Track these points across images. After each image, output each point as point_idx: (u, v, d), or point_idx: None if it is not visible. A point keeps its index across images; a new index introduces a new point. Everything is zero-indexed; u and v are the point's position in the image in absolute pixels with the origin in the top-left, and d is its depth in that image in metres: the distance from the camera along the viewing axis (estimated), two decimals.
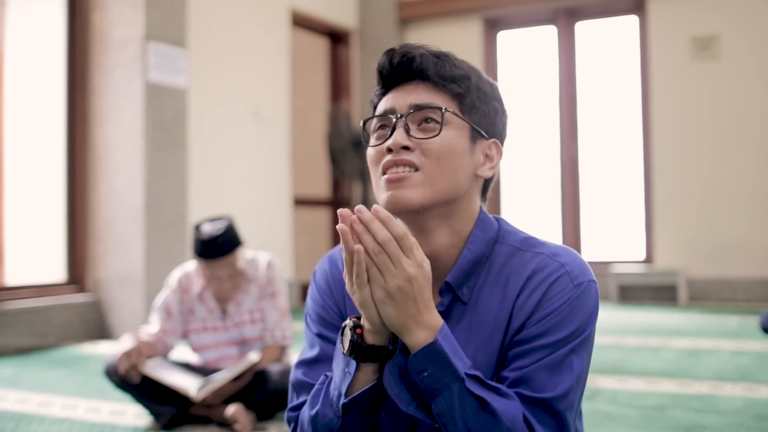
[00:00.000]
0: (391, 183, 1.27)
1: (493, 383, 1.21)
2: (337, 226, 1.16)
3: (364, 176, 8.10)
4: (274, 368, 3.12)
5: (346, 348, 1.22)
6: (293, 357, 4.26)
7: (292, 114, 7.50)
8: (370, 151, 1.33)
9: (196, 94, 6.13)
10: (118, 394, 3.54)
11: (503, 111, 1.39)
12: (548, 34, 8.07)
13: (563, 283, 1.26)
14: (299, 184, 7.72)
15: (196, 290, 3.27)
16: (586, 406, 3.20)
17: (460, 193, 1.31)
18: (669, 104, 7.35)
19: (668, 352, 4.59)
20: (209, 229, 3.10)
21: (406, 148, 1.28)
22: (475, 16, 8.17)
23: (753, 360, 4.30)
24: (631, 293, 7.37)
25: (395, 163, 1.27)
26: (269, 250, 6.17)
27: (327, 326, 1.40)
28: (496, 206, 8.05)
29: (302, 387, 1.37)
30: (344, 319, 1.36)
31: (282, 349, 3.29)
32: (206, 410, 3.08)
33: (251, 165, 6.89)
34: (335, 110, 7.88)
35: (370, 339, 1.21)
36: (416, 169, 1.27)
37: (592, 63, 7.94)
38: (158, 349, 3.19)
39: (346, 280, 1.19)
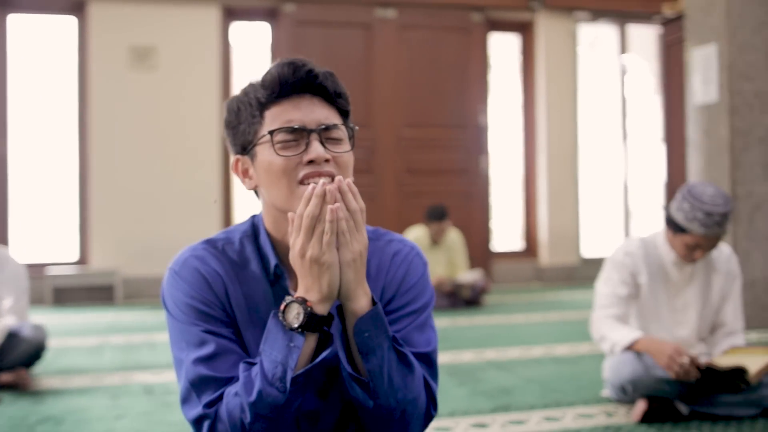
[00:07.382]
0: None
1: (399, 341, 1.45)
2: (318, 189, 1.35)
3: None
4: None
5: (298, 321, 1.35)
6: None
7: None
8: (280, 161, 1.43)
9: None
10: None
11: None
12: None
13: (416, 262, 1.58)
14: None
15: None
16: None
17: None
18: (107, 109, 7.43)
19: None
20: None
21: (326, 160, 1.44)
22: None
23: None
24: (67, 295, 7.27)
25: (319, 174, 1.42)
26: None
27: (213, 322, 1.46)
28: None
29: (209, 382, 1.42)
30: (228, 312, 1.48)
31: None
32: None
33: None
34: None
35: (319, 309, 1.36)
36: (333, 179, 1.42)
37: (27, 58, 7.62)
38: None
39: (311, 246, 1.34)
